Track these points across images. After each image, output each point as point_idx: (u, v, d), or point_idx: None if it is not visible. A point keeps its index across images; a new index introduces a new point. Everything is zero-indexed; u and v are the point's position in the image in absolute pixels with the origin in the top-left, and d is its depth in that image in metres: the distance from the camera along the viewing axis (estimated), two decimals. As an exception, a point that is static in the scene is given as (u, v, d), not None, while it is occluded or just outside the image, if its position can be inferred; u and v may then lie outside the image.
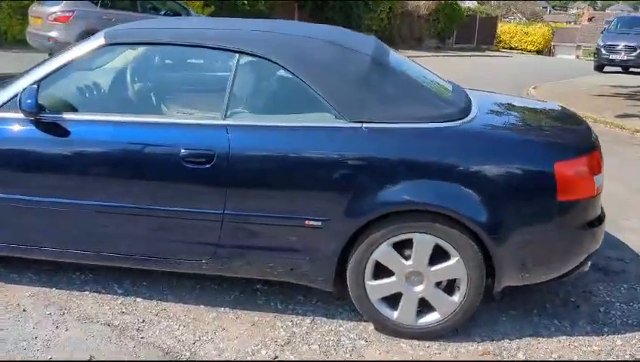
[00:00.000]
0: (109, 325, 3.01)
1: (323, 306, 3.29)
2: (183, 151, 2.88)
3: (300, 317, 3.18)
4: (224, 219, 2.94)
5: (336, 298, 3.23)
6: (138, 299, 3.25)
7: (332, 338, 3.02)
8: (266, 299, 3.33)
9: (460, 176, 2.80)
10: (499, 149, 2.91)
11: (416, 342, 3.02)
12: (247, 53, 3.00)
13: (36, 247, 3.14)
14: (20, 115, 2.98)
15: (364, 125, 2.88)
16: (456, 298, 2.96)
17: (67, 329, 2.95)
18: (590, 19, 50.17)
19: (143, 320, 3.06)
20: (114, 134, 2.97)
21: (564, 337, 3.13)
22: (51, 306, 3.14)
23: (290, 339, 2.98)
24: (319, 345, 2.96)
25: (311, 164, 2.87)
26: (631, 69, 19.86)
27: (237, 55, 3.00)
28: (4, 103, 3.05)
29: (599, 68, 20.21)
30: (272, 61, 2.98)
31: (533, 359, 2.93)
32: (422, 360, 2.77)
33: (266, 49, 3.00)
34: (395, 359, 2.87)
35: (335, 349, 2.94)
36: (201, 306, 3.23)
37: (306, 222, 2.90)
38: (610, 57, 19.86)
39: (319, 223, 2.89)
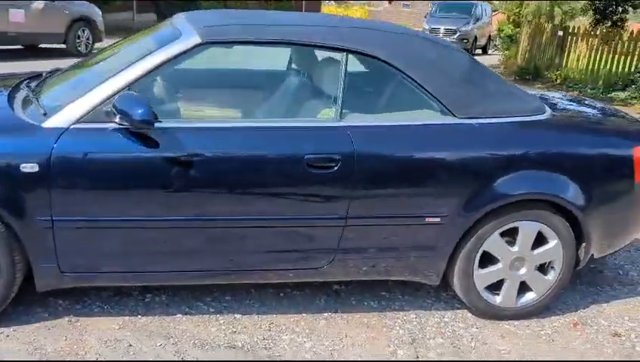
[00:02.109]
0: (232, 347, 2.81)
1: (411, 299, 3.36)
2: (307, 156, 2.75)
3: (402, 313, 3.22)
4: (346, 224, 2.87)
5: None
6: (237, 316, 3.06)
7: (447, 329, 3.12)
8: (356, 300, 3.31)
9: (559, 164, 3.03)
10: (587, 138, 3.19)
11: (516, 322, 3.22)
12: (356, 52, 2.93)
13: (154, 272, 2.82)
14: (108, 125, 2.63)
15: (475, 121, 2.98)
16: (551, 277, 3.20)
17: (196, 359, 2.70)
18: (390, 2, 52.05)
19: (263, 338, 2.90)
20: (231, 142, 2.74)
21: (622, 300, 3.53)
22: (155, 337, 2.83)
23: (413, 336, 3.02)
24: (442, 338, 3.04)
25: (430, 161, 2.92)
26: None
27: (345, 53, 2.91)
28: (85, 115, 2.65)
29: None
30: (379, 59, 2.95)
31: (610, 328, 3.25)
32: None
33: (374, 47, 2.95)
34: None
35: (458, 339, 3.04)
36: (304, 314, 3.13)
37: (427, 219, 2.95)
38: (435, 40, 21.50)
39: (438, 219, 2.96)
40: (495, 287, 3.19)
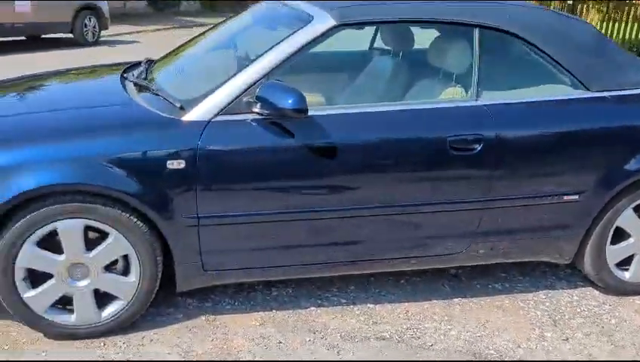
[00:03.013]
0: (382, 339, 2.73)
1: (532, 280, 3.30)
2: (450, 137, 2.66)
3: (531, 295, 3.16)
4: (487, 206, 2.79)
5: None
6: (369, 306, 2.98)
7: (582, 308, 3.06)
8: (480, 284, 3.25)
9: None
10: None
11: (642, 297, 3.17)
12: (489, 28, 2.82)
13: (293, 265, 2.75)
14: (248, 116, 2.51)
15: (608, 94, 2.90)
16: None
17: (352, 352, 2.62)
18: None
19: (407, 327, 2.82)
20: (378, 126, 2.64)
21: None
22: (300, 331, 2.74)
23: (553, 318, 2.96)
24: (581, 317, 2.98)
25: (568, 137, 2.83)
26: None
27: (478, 30, 2.80)
28: (225, 107, 2.53)
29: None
30: (512, 34, 2.84)
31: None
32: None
33: (507, 22, 2.84)
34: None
35: (598, 318, 2.98)
36: (434, 301, 3.06)
37: (565, 197, 2.87)
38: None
39: (576, 197, 2.88)
40: (623, 263, 3.13)
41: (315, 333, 2.73)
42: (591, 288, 3.23)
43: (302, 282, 3.10)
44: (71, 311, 2.58)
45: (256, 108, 2.51)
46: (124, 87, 2.94)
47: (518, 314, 2.98)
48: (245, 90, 2.54)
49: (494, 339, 2.77)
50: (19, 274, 2.45)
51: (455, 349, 2.68)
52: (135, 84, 2.95)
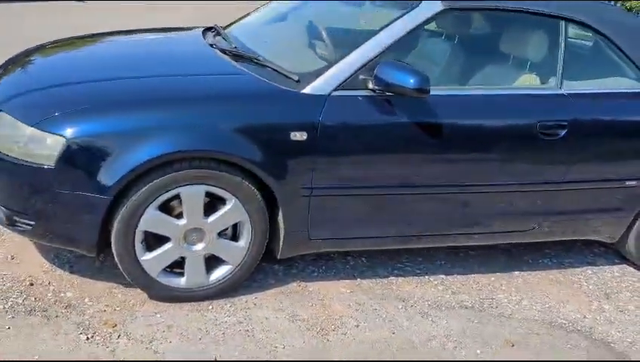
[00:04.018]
0: (465, 308, 2.93)
1: (575, 256, 3.58)
2: (540, 122, 2.86)
3: (579, 270, 3.44)
4: (561, 188, 3.03)
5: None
6: (441, 276, 3.17)
7: (626, 283, 3.37)
8: (531, 259, 3.49)
9: None
10: None
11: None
12: (573, 21, 3.02)
13: (385, 237, 2.90)
14: (362, 93, 2.63)
15: None
16: None
17: (445, 320, 2.80)
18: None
19: (484, 297, 3.04)
20: (483, 108, 2.81)
21: None
22: (390, 299, 2.91)
23: (605, 292, 3.25)
24: (629, 291, 3.29)
25: (634, 127, 3.09)
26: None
27: (564, 22, 3.00)
28: (342, 82, 2.63)
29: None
30: (592, 28, 3.06)
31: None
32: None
33: (587, 16, 3.05)
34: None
35: (641, 293, 3.30)
36: (498, 273, 3.28)
37: (626, 183, 3.15)
38: None
39: (634, 183, 3.16)
40: None
41: (404, 301, 2.90)
42: (626, 265, 3.53)
43: (372, 253, 3.25)
44: (180, 274, 2.63)
45: (372, 85, 2.61)
46: (218, 54, 2.96)
47: (573, 288, 3.25)
48: (360, 68, 2.64)
49: (561, 310, 3.02)
50: (138, 237, 2.48)
51: (532, 318, 2.91)
52: (230, 53, 2.97)
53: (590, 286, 3.28)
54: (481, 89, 2.91)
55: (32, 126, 2.38)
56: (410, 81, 2.52)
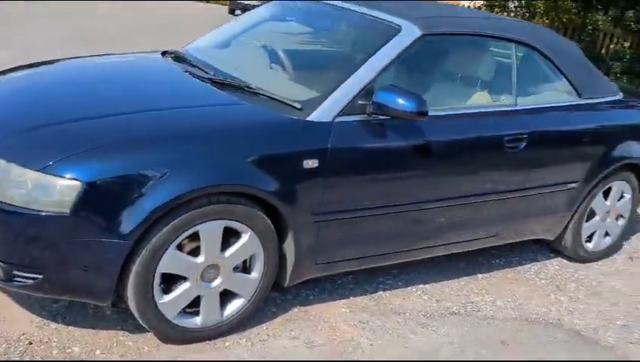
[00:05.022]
0: (454, 314, 3.12)
1: (516, 255, 3.94)
2: (506, 136, 3.15)
3: (527, 267, 3.80)
4: (522, 194, 3.35)
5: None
6: (420, 286, 3.34)
7: (566, 274, 3.77)
8: (465, 264, 3.79)
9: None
10: None
11: (599, 263, 4.00)
12: (522, 43, 3.35)
13: (384, 254, 3.02)
14: (362, 117, 2.74)
15: (592, 101, 3.64)
16: (620, 223, 4.04)
17: (443, 328, 2.96)
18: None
19: (466, 302, 3.25)
20: (467, 126, 3.03)
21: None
22: (389, 314, 3.02)
23: (555, 284, 3.62)
24: (573, 281, 3.70)
25: (573, 135, 3.50)
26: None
27: (514, 45, 3.33)
28: (344, 108, 2.70)
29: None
30: (536, 49, 3.42)
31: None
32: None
33: (532, 38, 3.41)
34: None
35: (582, 282, 3.71)
36: (465, 278, 3.52)
37: (569, 185, 3.56)
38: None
39: (575, 185, 3.58)
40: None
41: (399, 315, 3.02)
42: (560, 258, 3.95)
43: (354, 271, 3.32)
44: (194, 314, 2.53)
45: (370, 110, 2.71)
46: (202, 82, 2.89)
47: (529, 284, 3.57)
48: (358, 93, 2.72)
49: (530, 306, 3.32)
50: (157, 280, 2.37)
51: (511, 317, 3.17)
52: (213, 81, 2.90)
53: (542, 281, 3.63)
54: (461, 108, 3.14)
55: (37, 171, 2.17)
56: (410, 105, 2.65)
